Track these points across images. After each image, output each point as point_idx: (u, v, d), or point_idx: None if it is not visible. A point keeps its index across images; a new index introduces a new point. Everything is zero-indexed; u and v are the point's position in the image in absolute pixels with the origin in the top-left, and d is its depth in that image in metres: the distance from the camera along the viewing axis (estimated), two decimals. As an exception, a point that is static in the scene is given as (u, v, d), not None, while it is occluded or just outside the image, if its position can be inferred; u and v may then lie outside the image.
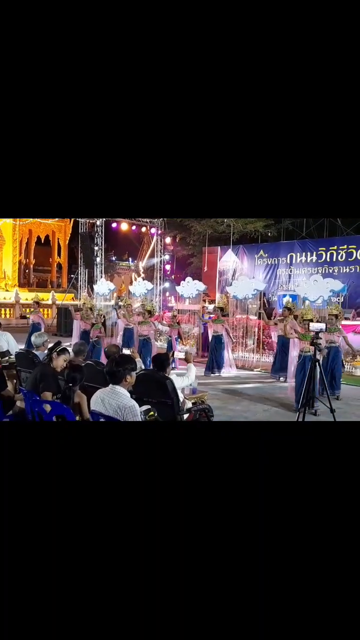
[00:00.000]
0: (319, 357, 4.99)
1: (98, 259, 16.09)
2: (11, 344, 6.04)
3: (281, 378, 8.35)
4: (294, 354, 6.79)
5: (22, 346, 7.01)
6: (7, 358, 5.52)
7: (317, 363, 4.89)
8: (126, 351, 5.57)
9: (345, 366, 8.74)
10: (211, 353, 9.00)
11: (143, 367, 5.32)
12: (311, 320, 5.77)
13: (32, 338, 5.34)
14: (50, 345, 4.14)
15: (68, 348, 4.10)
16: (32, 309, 10.73)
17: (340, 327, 7.39)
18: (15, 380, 5.18)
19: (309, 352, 5.86)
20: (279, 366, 8.46)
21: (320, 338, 5.13)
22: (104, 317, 9.38)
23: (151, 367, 4.32)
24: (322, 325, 5.07)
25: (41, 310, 11.19)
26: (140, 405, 3.15)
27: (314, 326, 4.96)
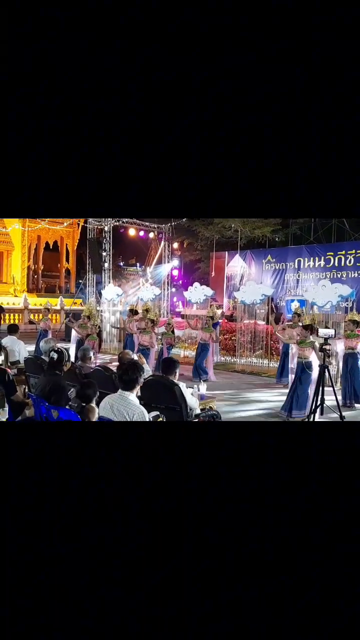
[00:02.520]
0: (330, 362, 4.96)
1: (106, 265, 16.15)
2: (22, 353, 6.09)
3: (285, 384, 8.30)
4: (294, 360, 6.58)
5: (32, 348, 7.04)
6: (15, 366, 5.60)
7: (326, 369, 4.86)
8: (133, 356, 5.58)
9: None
10: (195, 360, 8.93)
11: (150, 371, 5.33)
12: (311, 327, 5.73)
13: (41, 344, 5.40)
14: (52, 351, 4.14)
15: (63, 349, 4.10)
16: (42, 316, 10.74)
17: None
18: (24, 386, 5.24)
19: (303, 359, 5.84)
20: (285, 372, 8.42)
21: (330, 344, 5.10)
22: (99, 327, 9.18)
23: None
24: (332, 331, 5.05)
25: (50, 316, 11.23)
26: (148, 411, 3.16)
27: (323, 332, 4.95)
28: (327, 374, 4.94)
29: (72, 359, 6.76)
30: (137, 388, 3.15)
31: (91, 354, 5.32)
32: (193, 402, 3.96)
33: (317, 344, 5.58)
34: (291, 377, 6.55)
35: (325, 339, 4.88)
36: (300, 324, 7.94)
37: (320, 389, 5.02)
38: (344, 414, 5.48)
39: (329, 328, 5.04)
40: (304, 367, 5.80)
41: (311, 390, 5.74)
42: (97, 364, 5.61)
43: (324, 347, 4.80)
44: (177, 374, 4.05)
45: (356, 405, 6.82)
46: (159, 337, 9.13)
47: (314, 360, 5.84)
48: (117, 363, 5.38)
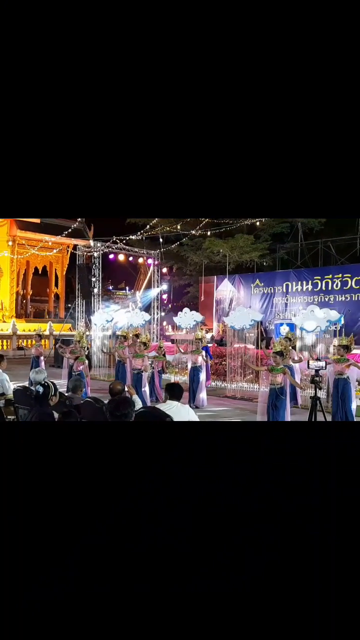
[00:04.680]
0: (319, 394, 4.99)
1: (95, 290, 16.15)
2: (5, 386, 5.96)
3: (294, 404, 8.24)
4: (262, 388, 6.49)
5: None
6: (3, 398, 5.51)
7: (317, 401, 4.89)
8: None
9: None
10: (190, 385, 8.75)
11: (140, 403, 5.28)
12: (280, 354, 5.78)
13: (32, 374, 5.32)
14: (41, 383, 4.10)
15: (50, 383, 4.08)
16: (34, 342, 10.65)
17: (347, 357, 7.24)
18: (13, 417, 5.16)
19: (276, 385, 5.85)
20: (291, 396, 8.37)
21: (321, 376, 5.14)
22: (87, 349, 9.09)
23: (163, 396, 4.25)
24: (322, 364, 5.09)
25: (42, 342, 11.14)
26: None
27: (314, 364, 4.99)
28: (318, 404, 4.97)
29: (65, 385, 6.67)
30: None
31: (83, 383, 5.28)
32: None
33: (291, 369, 5.54)
34: (262, 405, 6.45)
35: (317, 371, 4.92)
36: (290, 348, 8.01)
37: (313, 419, 5.03)
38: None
39: (320, 360, 5.09)
40: (277, 394, 5.81)
41: (288, 416, 5.72)
42: (88, 395, 5.55)
43: (315, 379, 4.84)
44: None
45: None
46: (150, 361, 9.09)
47: (287, 385, 5.86)
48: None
